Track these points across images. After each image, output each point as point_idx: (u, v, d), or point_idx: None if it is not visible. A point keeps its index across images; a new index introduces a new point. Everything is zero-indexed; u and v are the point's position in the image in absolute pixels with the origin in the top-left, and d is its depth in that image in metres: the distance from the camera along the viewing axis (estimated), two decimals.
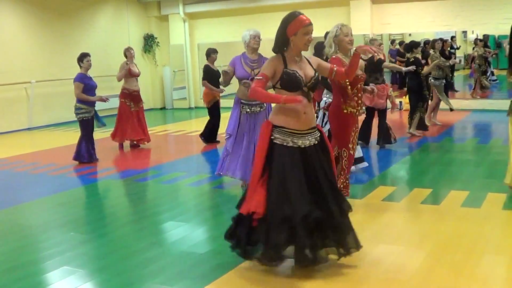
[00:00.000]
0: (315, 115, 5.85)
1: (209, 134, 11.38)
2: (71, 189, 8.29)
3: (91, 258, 5.19)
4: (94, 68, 12.37)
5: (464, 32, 18.15)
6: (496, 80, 18.42)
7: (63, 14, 16.21)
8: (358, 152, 8.11)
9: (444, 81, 12.23)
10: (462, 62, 19.01)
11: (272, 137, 4.51)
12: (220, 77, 10.05)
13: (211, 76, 10.65)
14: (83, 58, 9.84)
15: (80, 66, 9.88)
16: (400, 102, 15.41)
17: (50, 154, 10.96)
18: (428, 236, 5.39)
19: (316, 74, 4.63)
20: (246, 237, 4.53)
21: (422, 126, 11.30)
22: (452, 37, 16.55)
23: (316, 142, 4.60)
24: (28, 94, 15.16)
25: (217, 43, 18.44)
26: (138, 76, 11.37)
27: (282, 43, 4.55)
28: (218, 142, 11.24)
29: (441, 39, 12.43)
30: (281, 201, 4.37)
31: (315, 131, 4.63)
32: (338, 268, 4.65)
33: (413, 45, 11.16)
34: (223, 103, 11.90)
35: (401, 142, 10.67)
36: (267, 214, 4.37)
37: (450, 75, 12.38)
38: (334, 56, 6.12)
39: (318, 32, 8.27)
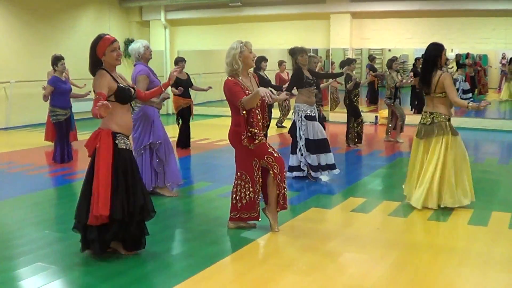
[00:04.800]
0: None
1: (183, 140, 11.61)
2: (47, 189, 8.35)
3: (64, 255, 5.26)
4: (75, 71, 12.49)
5: None
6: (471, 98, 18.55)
7: (45, 16, 16.20)
8: (331, 159, 8.35)
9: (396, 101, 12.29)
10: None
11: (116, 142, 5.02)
12: (187, 85, 10.85)
13: (176, 84, 10.44)
14: (57, 61, 9.92)
15: (55, 70, 9.97)
16: (376, 116, 15.70)
17: (26, 154, 10.97)
18: (393, 246, 5.55)
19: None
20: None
21: (352, 140, 11.77)
22: (416, 59, 16.01)
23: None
24: (7, 94, 15.12)
25: (197, 50, 18.63)
26: None
27: (95, 64, 5.07)
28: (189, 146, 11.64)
29: (395, 57, 12.39)
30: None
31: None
32: (303, 274, 4.82)
33: (345, 62, 11.88)
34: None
35: (374, 155, 10.89)
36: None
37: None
38: (231, 78, 5.67)
39: (299, 44, 8.61)
